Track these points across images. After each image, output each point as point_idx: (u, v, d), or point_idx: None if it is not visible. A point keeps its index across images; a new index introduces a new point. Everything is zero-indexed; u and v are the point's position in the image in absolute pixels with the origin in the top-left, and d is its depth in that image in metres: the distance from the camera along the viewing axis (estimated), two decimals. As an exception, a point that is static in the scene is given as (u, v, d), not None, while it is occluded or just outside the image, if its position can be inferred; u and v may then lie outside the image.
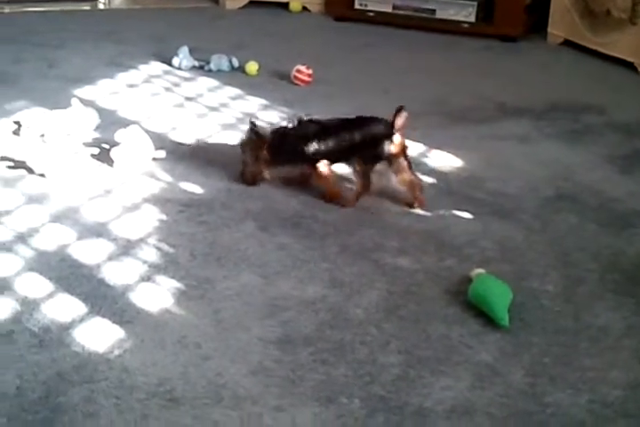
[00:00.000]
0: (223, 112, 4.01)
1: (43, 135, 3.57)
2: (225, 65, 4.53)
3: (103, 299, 2.55)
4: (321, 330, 2.44)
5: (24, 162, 3.31)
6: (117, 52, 4.83)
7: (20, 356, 2.30)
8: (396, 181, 3.17)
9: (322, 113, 3.85)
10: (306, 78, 4.35)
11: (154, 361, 2.29)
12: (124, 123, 3.70)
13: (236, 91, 4.28)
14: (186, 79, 4.43)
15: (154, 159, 3.44)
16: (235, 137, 3.69)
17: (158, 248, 2.84)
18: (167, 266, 2.74)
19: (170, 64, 4.59)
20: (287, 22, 5.64)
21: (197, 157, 3.52)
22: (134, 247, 2.84)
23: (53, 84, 4.27)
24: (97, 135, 3.67)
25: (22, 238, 2.87)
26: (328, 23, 5.65)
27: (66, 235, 2.91)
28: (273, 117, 3.93)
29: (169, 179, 3.32)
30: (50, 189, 3.21)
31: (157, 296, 2.58)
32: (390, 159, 3.13)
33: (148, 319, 2.47)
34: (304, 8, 5.79)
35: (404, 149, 3.16)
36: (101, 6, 6.08)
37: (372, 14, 5.54)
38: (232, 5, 5.80)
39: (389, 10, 5.48)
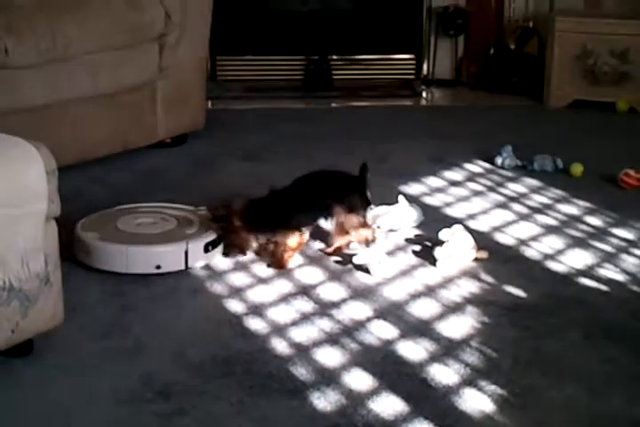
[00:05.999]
0: (547, 214, 3.98)
1: (369, 230, 3.68)
2: (549, 166, 4.48)
3: (425, 399, 2.56)
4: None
5: (351, 256, 3.42)
6: (440, 149, 4.91)
7: (345, 451, 2.35)
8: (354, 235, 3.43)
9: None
10: (634, 183, 4.22)
11: (476, 470, 2.27)
12: (447, 221, 3.75)
13: (559, 192, 4.23)
14: (509, 179, 4.43)
15: (476, 260, 3.45)
16: (557, 242, 3.64)
17: (480, 351, 2.82)
18: (489, 371, 2.71)
19: (492, 162, 4.61)
20: (614, 123, 5.50)
21: (521, 259, 3.50)
22: (456, 349, 2.84)
23: (379, 179, 4.38)
24: (419, 232, 3.74)
25: (348, 332, 2.95)
26: (660, 125, 5.47)
27: (389, 331, 2.96)
28: (598, 222, 3.85)
29: (491, 280, 3.31)
30: (374, 284, 3.29)
31: (479, 401, 2.55)
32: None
33: (470, 425, 2.45)
34: (631, 109, 5.64)
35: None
36: (423, 102, 6.27)
37: None
38: (556, 104, 5.75)
39: None
